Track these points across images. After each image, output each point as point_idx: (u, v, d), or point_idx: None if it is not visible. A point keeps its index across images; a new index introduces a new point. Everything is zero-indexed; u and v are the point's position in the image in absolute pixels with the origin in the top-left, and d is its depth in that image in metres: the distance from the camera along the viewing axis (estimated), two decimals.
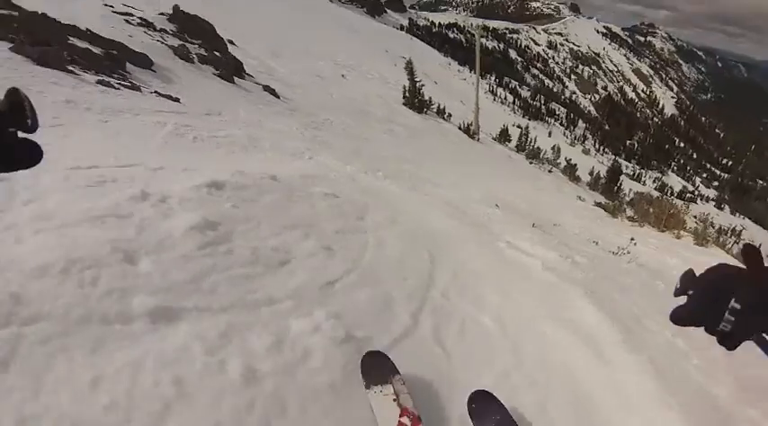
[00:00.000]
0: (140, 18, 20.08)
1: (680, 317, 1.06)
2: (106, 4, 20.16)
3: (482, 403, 2.86)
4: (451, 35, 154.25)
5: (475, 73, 42.49)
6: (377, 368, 2.90)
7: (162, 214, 3.81)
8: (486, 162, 21.23)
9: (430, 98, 31.76)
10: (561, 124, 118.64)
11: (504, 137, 33.54)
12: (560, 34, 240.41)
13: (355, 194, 6.71)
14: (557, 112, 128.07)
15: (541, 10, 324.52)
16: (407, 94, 30.18)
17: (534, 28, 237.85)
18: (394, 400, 2.69)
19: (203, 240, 3.63)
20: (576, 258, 6.85)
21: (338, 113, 18.97)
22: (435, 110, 32.03)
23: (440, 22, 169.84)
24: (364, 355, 2.98)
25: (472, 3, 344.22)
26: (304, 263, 4.03)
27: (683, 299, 1.10)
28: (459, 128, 28.86)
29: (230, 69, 18.68)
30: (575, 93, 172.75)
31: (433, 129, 26.03)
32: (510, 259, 6.15)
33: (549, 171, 25.81)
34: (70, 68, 11.34)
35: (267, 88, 19.07)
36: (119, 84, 11.86)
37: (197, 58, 18.00)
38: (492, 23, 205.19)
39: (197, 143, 8.75)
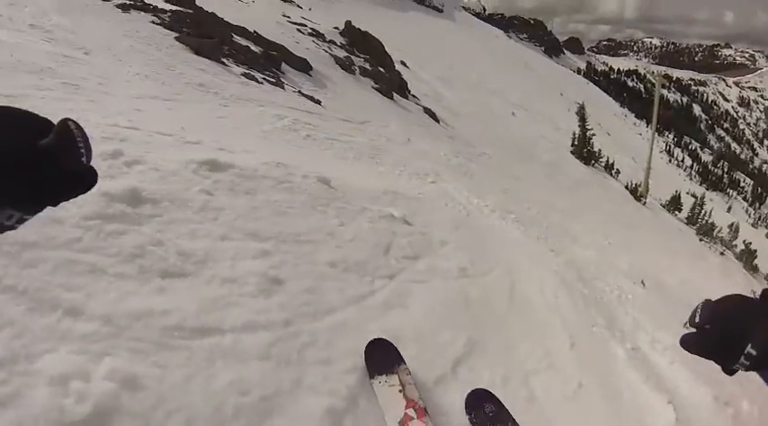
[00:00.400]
0: (312, 29, 20.53)
1: (692, 347, 1.03)
2: (285, 15, 21.01)
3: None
4: (630, 83, 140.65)
5: (651, 128, 38.15)
6: (381, 356, 2.65)
7: (105, 174, 3.01)
8: (647, 229, 17.43)
9: (599, 150, 28.64)
10: (745, 199, 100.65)
11: (674, 204, 28.91)
12: (755, 89, 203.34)
13: (442, 229, 4.96)
14: (741, 184, 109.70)
15: (734, 59, 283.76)
16: (576, 142, 27.46)
17: (724, 80, 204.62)
18: (400, 391, 2.49)
19: (103, 211, 2.65)
20: (743, 405, 3.82)
21: (498, 149, 17.45)
22: (603, 163, 28.85)
23: (619, 68, 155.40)
24: (368, 343, 2.67)
25: (655, 48, 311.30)
26: (201, 288, 2.56)
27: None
28: (626, 188, 25.17)
29: (392, 86, 18.11)
30: (766, 162, 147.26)
31: (597, 184, 23.02)
32: (621, 382, 3.65)
33: (721, 253, 21.28)
34: (223, 60, 11.48)
35: (428, 111, 18.33)
36: (263, 78, 11.65)
37: (359, 71, 17.69)
38: (676, 73, 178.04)
39: (306, 140, 7.94)
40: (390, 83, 18.33)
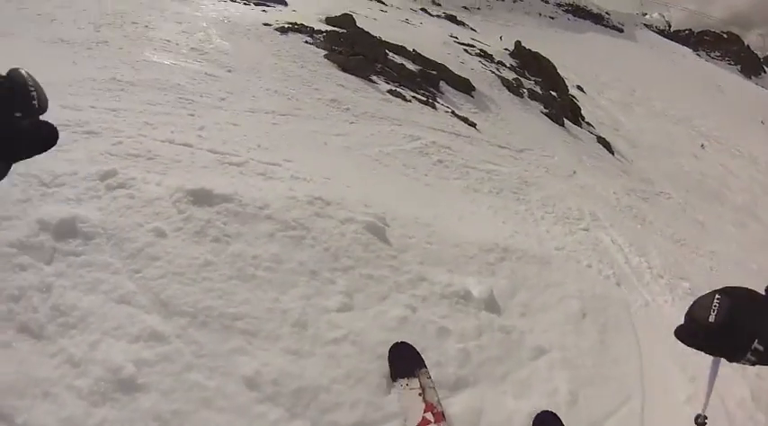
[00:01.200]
0: (480, 50, 19.19)
1: (694, 340, 1.00)
2: (452, 35, 20.03)
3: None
4: None
5: None
6: (403, 359, 2.46)
7: (74, 198, 2.71)
8: None
9: None
10: None
11: None
12: None
13: (551, 319, 3.17)
14: None
15: None
16: None
17: None
18: (419, 394, 2.31)
19: (26, 239, 2.32)
20: None
21: (681, 188, 14.67)
22: None
23: None
24: (392, 346, 2.46)
25: None
26: (35, 359, 1.93)
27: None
28: None
29: (564, 111, 16.09)
30: None
31: None
32: None
33: None
34: (372, 77, 10.65)
35: (602, 140, 16.02)
36: (412, 96, 10.57)
37: (527, 93, 15.92)
38: None
39: (435, 166, 6.71)
40: (562, 108, 16.36)
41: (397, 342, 2.51)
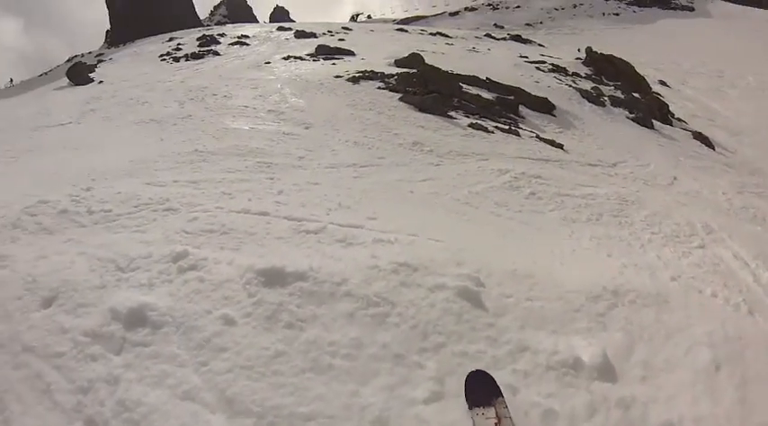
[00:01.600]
0: (553, 64, 18.45)
1: None
2: (522, 55, 19.43)
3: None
4: None
5: None
6: (480, 388, 2.42)
7: (146, 283, 2.75)
8: None
9: None
10: None
11: None
12: None
13: (679, 376, 2.71)
14: None
15: None
16: None
17: None
18: (495, 424, 2.27)
19: (99, 329, 2.39)
20: None
21: None
22: None
23: None
24: (468, 375, 2.44)
25: None
26: None
27: None
28: None
29: (651, 112, 14.96)
30: None
31: None
32: None
33: None
34: (450, 113, 10.40)
35: (699, 136, 14.68)
36: (494, 127, 10.18)
37: (609, 101, 15.03)
38: None
39: (527, 200, 6.25)
40: (648, 108, 15.23)
41: (473, 371, 2.50)
